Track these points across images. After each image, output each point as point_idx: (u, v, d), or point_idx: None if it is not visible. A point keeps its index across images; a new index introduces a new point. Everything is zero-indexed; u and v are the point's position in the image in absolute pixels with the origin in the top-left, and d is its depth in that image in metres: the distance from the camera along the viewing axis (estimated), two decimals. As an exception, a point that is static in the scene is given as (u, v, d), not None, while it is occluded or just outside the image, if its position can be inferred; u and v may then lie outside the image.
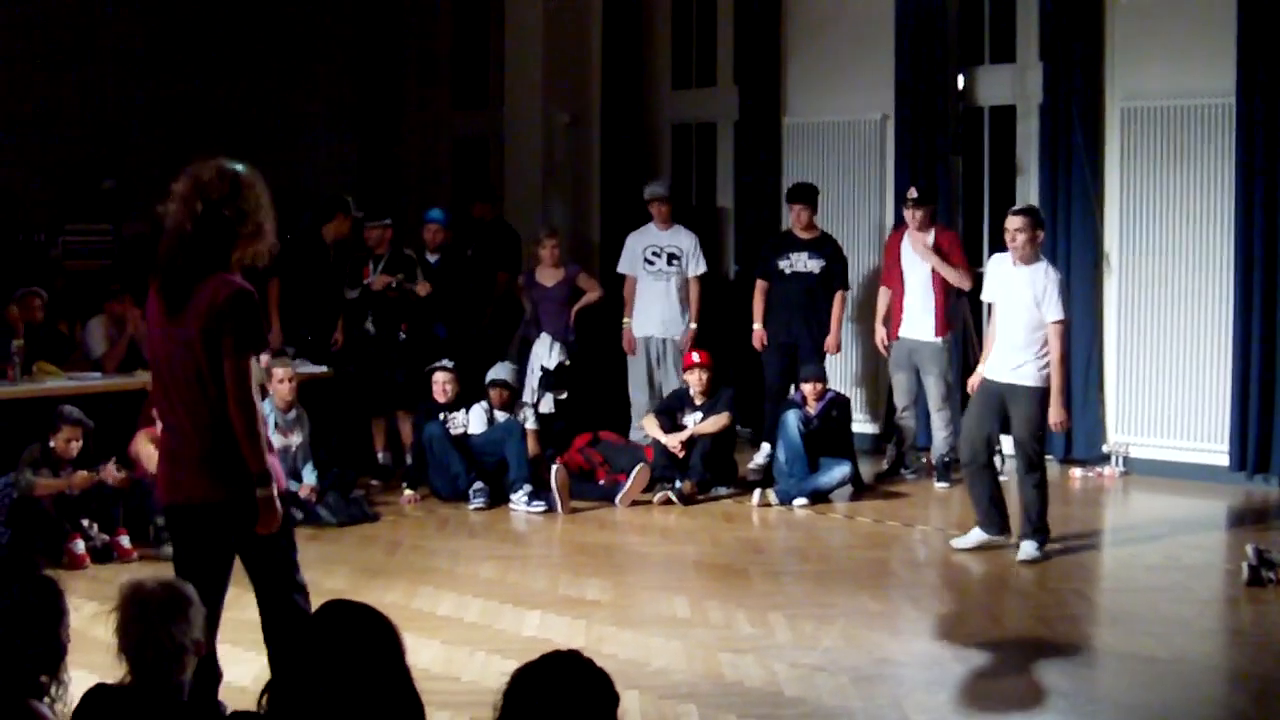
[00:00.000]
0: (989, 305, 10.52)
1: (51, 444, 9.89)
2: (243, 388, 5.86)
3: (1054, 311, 9.74)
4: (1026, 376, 9.82)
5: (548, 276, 13.84)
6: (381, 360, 12.89)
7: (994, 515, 10.17)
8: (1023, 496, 9.98)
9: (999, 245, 10.44)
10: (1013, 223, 9.92)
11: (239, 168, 6.08)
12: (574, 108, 15.92)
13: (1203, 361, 12.76)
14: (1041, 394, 9.84)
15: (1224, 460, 12.56)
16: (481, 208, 14.85)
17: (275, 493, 6.01)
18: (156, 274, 6.03)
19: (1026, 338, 9.81)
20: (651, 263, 13.61)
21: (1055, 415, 9.85)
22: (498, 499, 11.78)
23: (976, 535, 10.24)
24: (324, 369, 12.60)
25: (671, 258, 13.55)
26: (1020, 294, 9.83)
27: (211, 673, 5.99)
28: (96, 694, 4.61)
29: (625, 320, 13.76)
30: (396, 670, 4.05)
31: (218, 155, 6.15)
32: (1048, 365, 9.80)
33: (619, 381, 13.98)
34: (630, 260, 13.77)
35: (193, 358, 5.87)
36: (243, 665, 7.10)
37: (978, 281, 11.64)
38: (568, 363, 13.61)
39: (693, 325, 13.52)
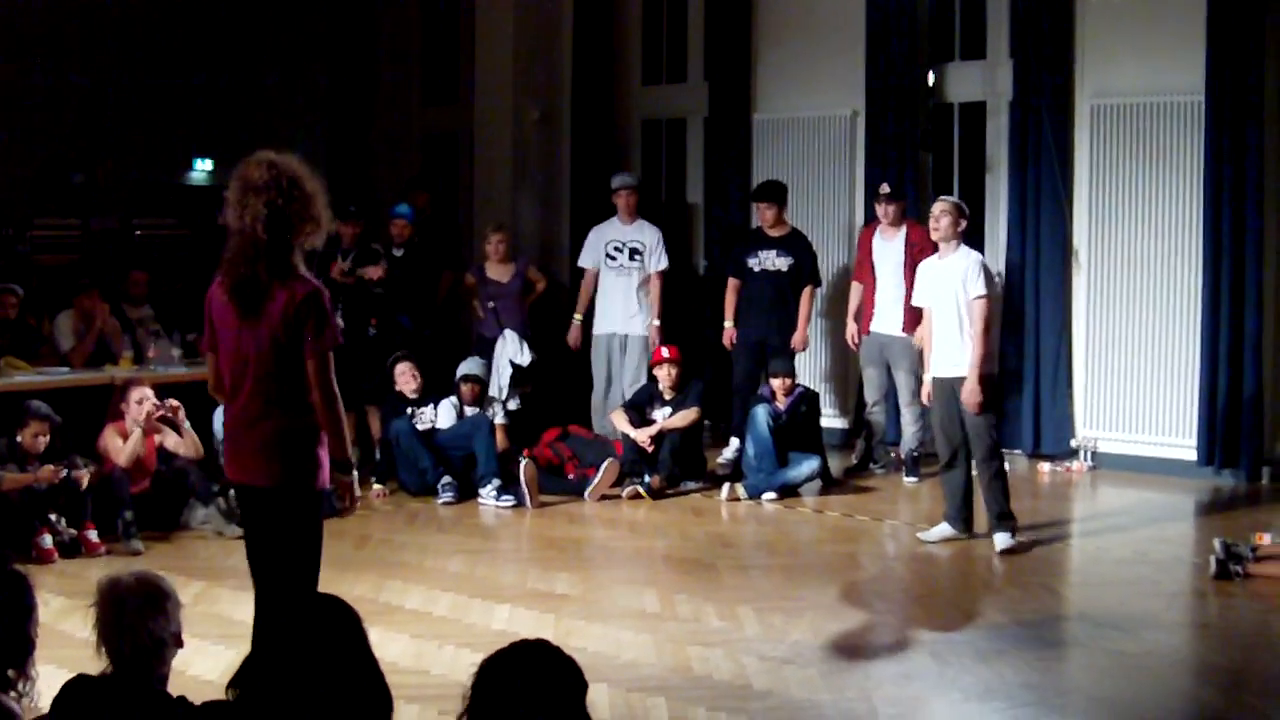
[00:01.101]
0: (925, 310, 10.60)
1: (19, 439, 9.86)
2: (327, 382, 6.12)
3: (975, 288, 9.92)
4: (967, 366, 9.92)
5: (500, 272, 13.79)
6: (350, 355, 12.79)
7: (963, 512, 10.26)
8: (984, 486, 10.06)
9: (970, 241, 10.48)
10: (937, 206, 10.24)
11: (286, 161, 6.19)
12: (544, 103, 15.90)
13: (1171, 357, 12.81)
14: (987, 379, 9.94)
15: (1191, 455, 12.62)
16: (421, 197, 14.82)
17: (355, 479, 6.41)
18: (226, 276, 6.20)
19: (961, 327, 9.97)
20: (613, 258, 13.59)
21: (969, 395, 9.88)
22: (466, 494, 11.77)
23: (943, 529, 10.31)
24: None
25: (634, 253, 13.53)
26: (948, 284, 10.03)
27: None
28: (77, 684, 4.60)
29: (576, 316, 13.78)
30: (363, 659, 4.06)
31: (257, 149, 6.25)
32: (991, 352, 9.94)
33: (583, 376, 13.97)
34: (592, 254, 13.76)
35: (270, 355, 6.11)
36: (211, 658, 7.08)
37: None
38: (536, 357, 13.59)
39: (655, 322, 13.48)
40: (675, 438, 12.23)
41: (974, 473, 10.29)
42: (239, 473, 6.34)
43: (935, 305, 10.18)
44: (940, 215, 10.12)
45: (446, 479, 11.75)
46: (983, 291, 9.94)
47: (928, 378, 10.47)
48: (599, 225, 13.85)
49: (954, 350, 9.99)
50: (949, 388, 10.04)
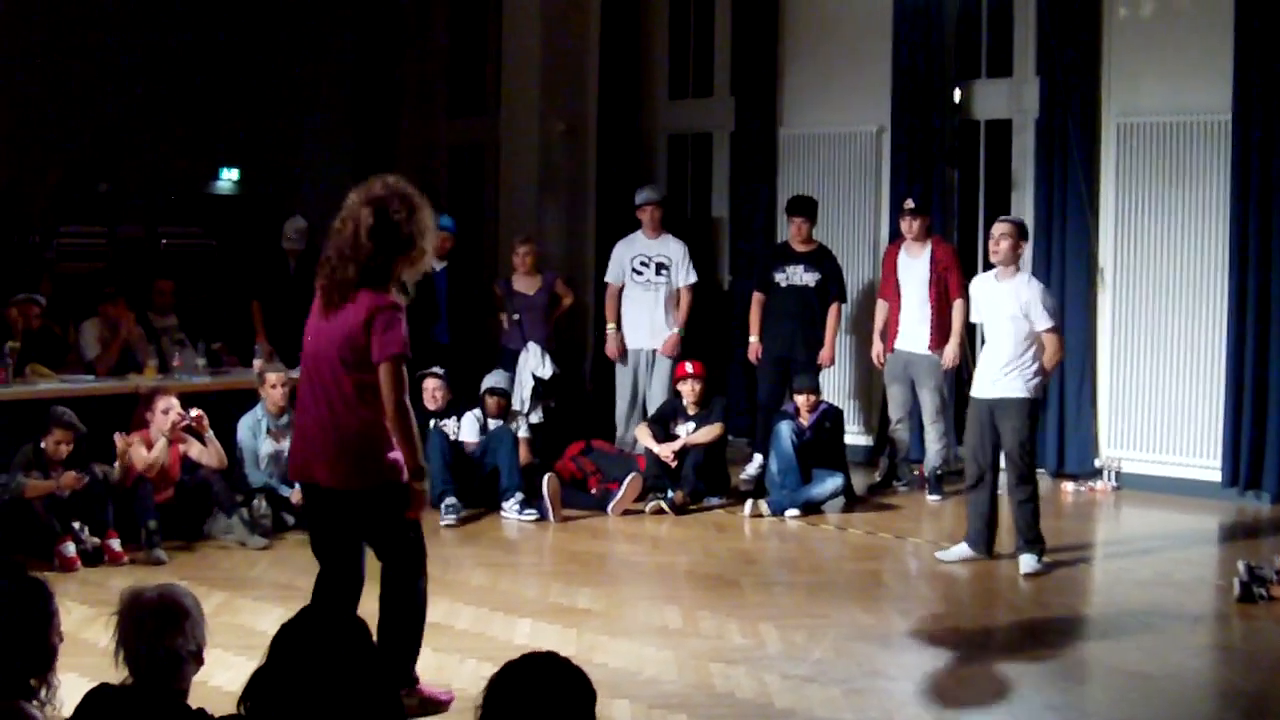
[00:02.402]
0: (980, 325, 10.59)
1: (43, 445, 9.88)
2: (393, 389, 6.44)
3: (1045, 320, 9.86)
4: (1014, 389, 9.89)
5: (526, 284, 13.78)
6: None
7: (985, 535, 10.22)
8: (1015, 509, 10.02)
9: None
10: (999, 228, 10.15)
11: (413, 191, 6.56)
12: (570, 116, 15.91)
13: (1195, 377, 12.77)
14: (1030, 405, 9.91)
15: (1216, 476, 12.57)
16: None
17: (426, 487, 6.71)
18: (322, 271, 6.59)
19: (1013, 350, 9.89)
20: (640, 272, 13.52)
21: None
22: (487, 506, 11.75)
23: (962, 550, 10.27)
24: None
25: (660, 267, 13.48)
26: (1005, 307, 9.94)
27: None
28: (99, 693, 4.61)
29: (610, 326, 13.66)
30: (373, 673, 4.07)
31: (384, 173, 6.66)
32: (1035, 376, 9.92)
33: (607, 390, 13.95)
34: (616, 269, 13.67)
35: (337, 357, 6.46)
36: (233, 670, 7.07)
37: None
38: (559, 371, 13.58)
39: (677, 329, 13.41)
40: (699, 453, 12.22)
41: (999, 494, 10.26)
42: (309, 473, 6.68)
43: (987, 325, 10.14)
44: (1001, 238, 10.02)
45: (450, 500, 11.64)
46: (1054, 323, 9.92)
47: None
48: (624, 239, 13.78)
49: (1000, 370, 9.92)
50: (988, 409, 9.98)
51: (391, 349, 6.42)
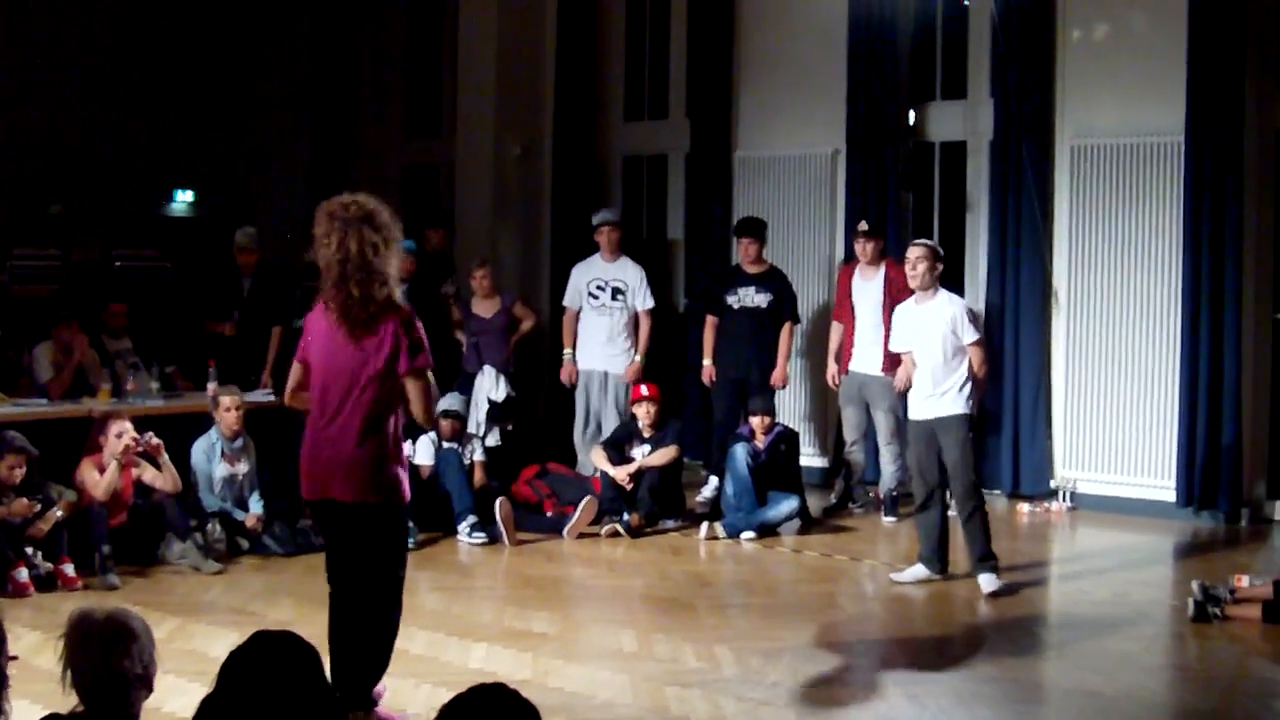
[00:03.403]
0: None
1: (-6, 470, 9.82)
2: (428, 399, 6.82)
3: (970, 334, 10.02)
4: (950, 406, 10.01)
5: (484, 307, 13.77)
6: None
7: (938, 554, 10.26)
8: (964, 526, 10.07)
9: (948, 279, 10.54)
10: (913, 252, 10.27)
11: (370, 199, 6.86)
12: (526, 138, 15.91)
13: (1149, 397, 12.83)
14: (969, 421, 10.01)
15: (1170, 496, 12.63)
16: (436, 234, 14.78)
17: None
18: (335, 300, 6.73)
19: (944, 368, 10.02)
20: (596, 296, 13.49)
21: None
22: (445, 530, 11.71)
23: (917, 571, 10.31)
24: (272, 398, 12.54)
25: (616, 291, 13.44)
26: (932, 327, 10.07)
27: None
28: None
29: (566, 351, 13.64)
30: (321, 697, 4.06)
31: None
32: (970, 392, 10.01)
33: (564, 413, 13.93)
34: (573, 293, 13.65)
35: (370, 376, 6.70)
36: (187, 695, 7.02)
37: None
38: (514, 394, 13.56)
39: (637, 358, 13.40)
40: (654, 476, 12.21)
41: (950, 514, 10.31)
42: (324, 490, 6.81)
43: (916, 349, 10.19)
44: (916, 262, 10.14)
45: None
46: (978, 336, 10.06)
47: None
48: (581, 263, 13.75)
49: (935, 390, 10.02)
50: (929, 429, 10.06)
51: (422, 361, 6.76)
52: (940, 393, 10.00)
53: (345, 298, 6.68)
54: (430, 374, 6.88)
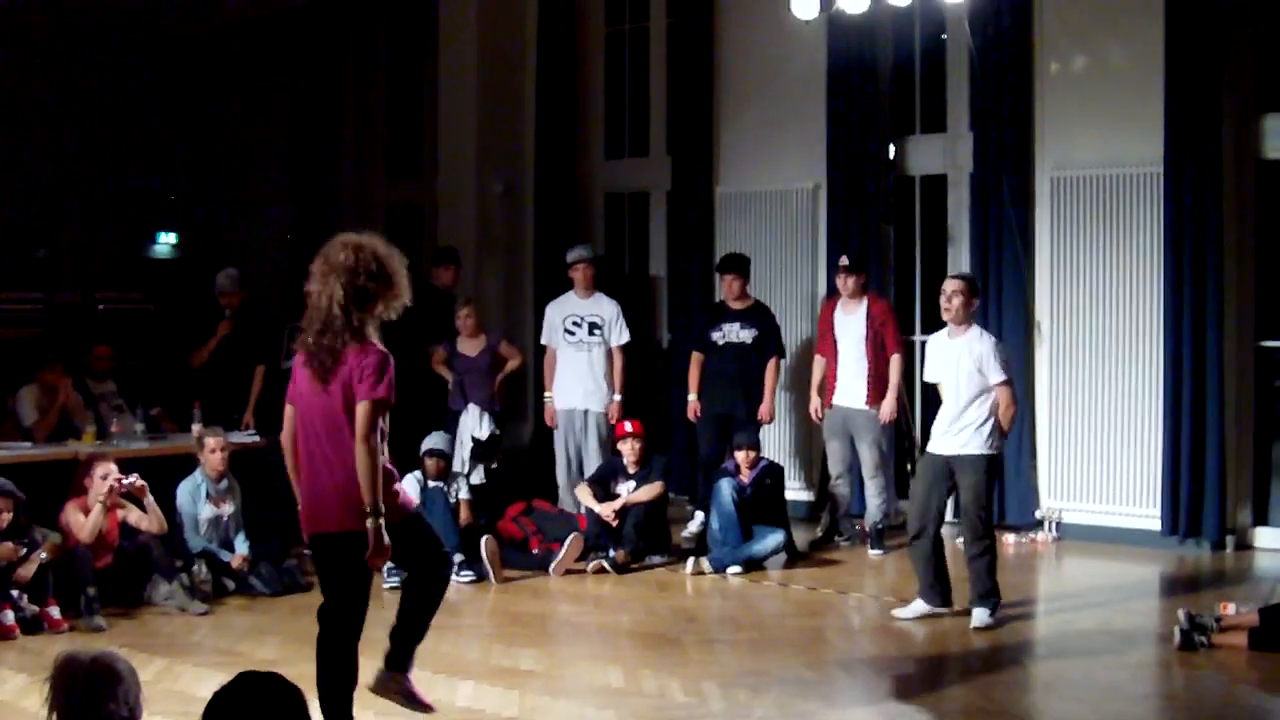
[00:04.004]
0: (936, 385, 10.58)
1: (-20, 514, 9.81)
2: (367, 431, 6.76)
3: (998, 374, 9.91)
4: (973, 445, 9.92)
5: (469, 346, 13.74)
6: None
7: (938, 587, 10.21)
8: (970, 565, 10.03)
9: (931, 312, 10.55)
10: (950, 285, 10.15)
11: (370, 243, 6.96)
12: (508, 177, 15.96)
13: (1134, 427, 12.86)
14: (988, 461, 9.95)
15: (1156, 525, 12.65)
16: (446, 272, 14.64)
17: (380, 526, 6.84)
18: (305, 345, 6.91)
19: (971, 406, 9.92)
20: (572, 333, 13.46)
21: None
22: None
23: (919, 606, 10.25)
24: (256, 438, 12.54)
25: (593, 327, 13.43)
26: (960, 361, 9.98)
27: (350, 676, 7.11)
28: None
29: (547, 395, 13.63)
30: None
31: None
32: (993, 432, 9.93)
33: (548, 451, 13.92)
34: (550, 331, 13.62)
35: (341, 414, 6.83)
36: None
37: (909, 350, 11.72)
38: (498, 433, 13.55)
39: (617, 397, 13.37)
40: (639, 512, 12.21)
41: (943, 545, 10.28)
42: (316, 524, 7.00)
43: (944, 382, 10.16)
44: (953, 295, 10.06)
45: (390, 564, 11.45)
46: (1006, 377, 9.96)
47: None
48: (555, 300, 13.73)
49: (957, 426, 9.96)
50: (943, 464, 10.03)
51: (376, 393, 6.79)
52: (958, 429, 9.95)
53: (314, 354, 6.88)
54: (384, 412, 6.90)
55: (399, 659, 7.43)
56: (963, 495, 10.02)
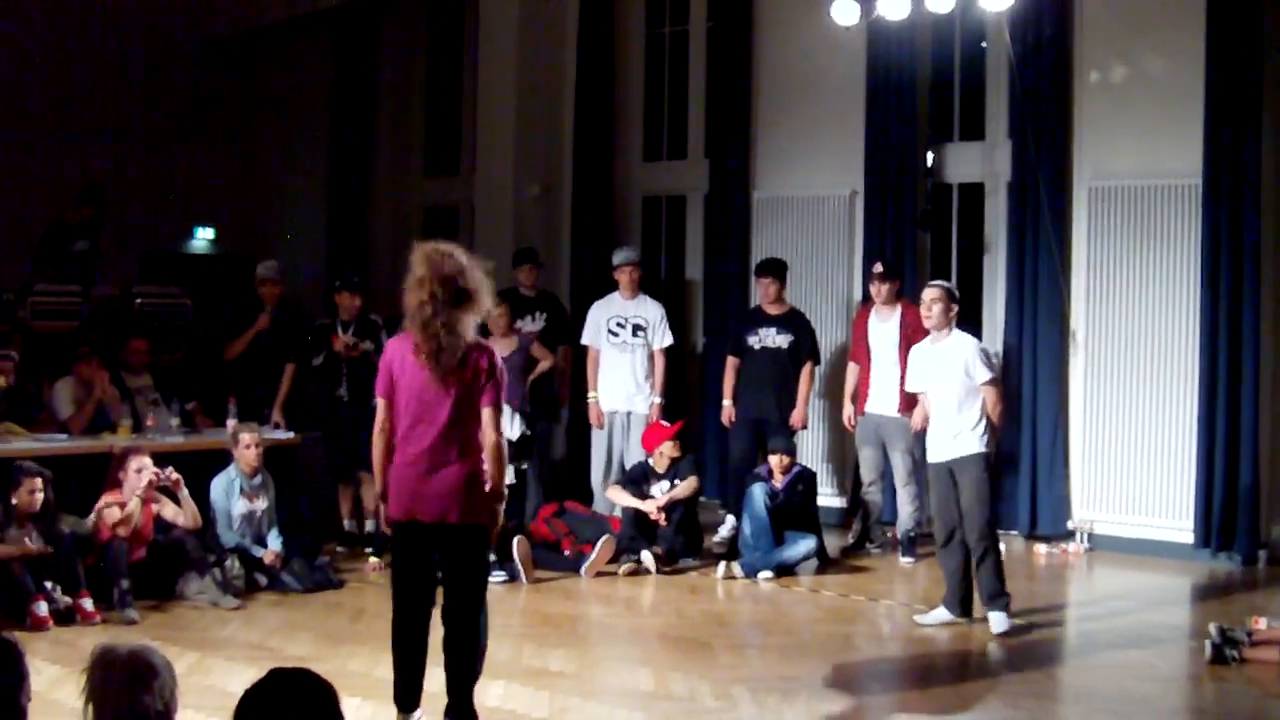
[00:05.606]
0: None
1: (14, 501, 9.84)
2: (499, 425, 7.43)
3: (983, 374, 10.00)
4: (967, 446, 10.00)
5: (501, 346, 13.65)
6: (352, 426, 12.49)
7: (960, 596, 10.22)
8: (977, 566, 10.05)
9: (965, 322, 10.55)
10: (929, 294, 10.27)
11: (461, 253, 7.50)
12: (545, 178, 15.97)
13: (1167, 439, 12.82)
14: (985, 460, 10.00)
15: (1188, 537, 12.61)
16: (531, 273, 14.49)
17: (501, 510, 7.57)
18: (423, 342, 7.27)
19: (960, 409, 10.01)
20: (615, 334, 13.48)
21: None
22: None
23: (941, 614, 10.26)
24: (290, 435, 12.57)
25: (637, 328, 13.44)
26: (947, 367, 10.08)
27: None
28: None
29: (591, 394, 13.60)
30: None
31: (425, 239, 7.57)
32: (985, 431, 10.02)
33: (581, 452, 13.91)
34: (593, 331, 13.63)
35: (461, 410, 7.31)
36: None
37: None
38: (529, 433, 13.55)
39: (657, 400, 13.37)
40: (681, 509, 12.23)
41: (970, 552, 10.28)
42: (418, 511, 7.32)
43: (931, 390, 10.21)
44: (931, 303, 10.16)
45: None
46: (991, 375, 10.04)
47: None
48: (600, 301, 13.74)
49: (951, 431, 10.03)
50: (947, 470, 10.06)
51: (498, 393, 7.41)
52: (954, 434, 10.02)
53: (435, 341, 7.23)
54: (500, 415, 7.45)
55: (460, 710, 7.56)
56: (964, 496, 10.03)
